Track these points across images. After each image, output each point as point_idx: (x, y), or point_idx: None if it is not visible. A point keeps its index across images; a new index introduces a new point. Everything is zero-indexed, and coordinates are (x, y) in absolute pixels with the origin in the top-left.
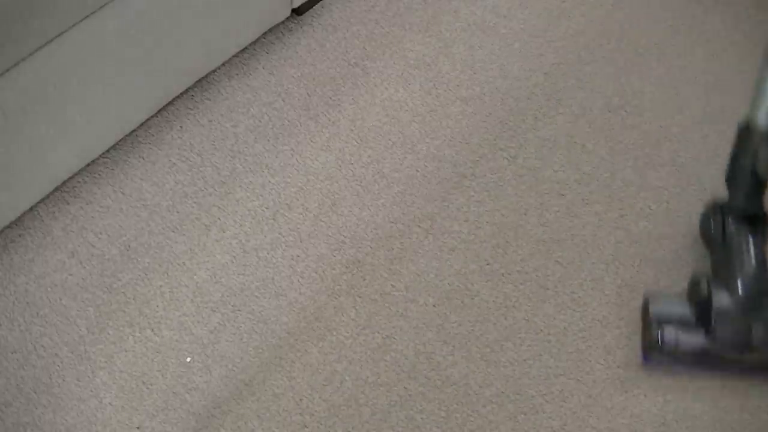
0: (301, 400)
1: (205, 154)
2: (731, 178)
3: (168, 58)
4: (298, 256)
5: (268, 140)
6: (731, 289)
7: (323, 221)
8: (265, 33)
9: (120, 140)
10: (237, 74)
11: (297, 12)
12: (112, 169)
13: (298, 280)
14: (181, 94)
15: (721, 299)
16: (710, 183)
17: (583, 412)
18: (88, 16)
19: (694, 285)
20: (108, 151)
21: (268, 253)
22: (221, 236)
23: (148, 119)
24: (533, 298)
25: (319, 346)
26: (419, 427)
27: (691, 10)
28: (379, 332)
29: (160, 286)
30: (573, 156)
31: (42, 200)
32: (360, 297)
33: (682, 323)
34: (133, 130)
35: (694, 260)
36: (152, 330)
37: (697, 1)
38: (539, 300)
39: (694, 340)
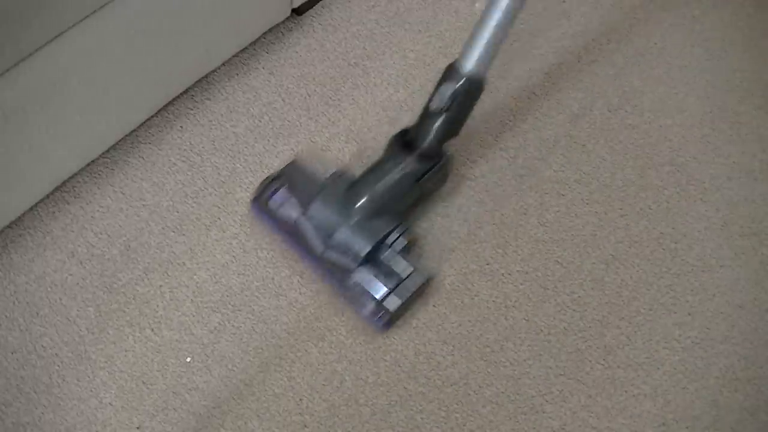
0: (301, 400)
1: (205, 154)
2: (422, 110)
3: (168, 58)
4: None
5: (268, 140)
6: (350, 188)
7: None
8: (265, 33)
9: (120, 140)
10: (237, 74)
11: (297, 12)
12: (112, 169)
13: (298, 280)
14: (181, 94)
15: (334, 191)
16: (710, 183)
17: (583, 412)
18: (88, 16)
19: (331, 174)
20: (108, 151)
21: (268, 253)
22: (221, 236)
23: (148, 119)
24: (533, 298)
25: (319, 346)
26: (419, 427)
27: (691, 10)
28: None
29: (160, 286)
30: (573, 156)
31: (42, 200)
32: None
33: (296, 194)
34: (133, 130)
35: (693, 259)
36: (152, 330)
37: (697, 1)
38: (539, 300)
39: (292, 211)
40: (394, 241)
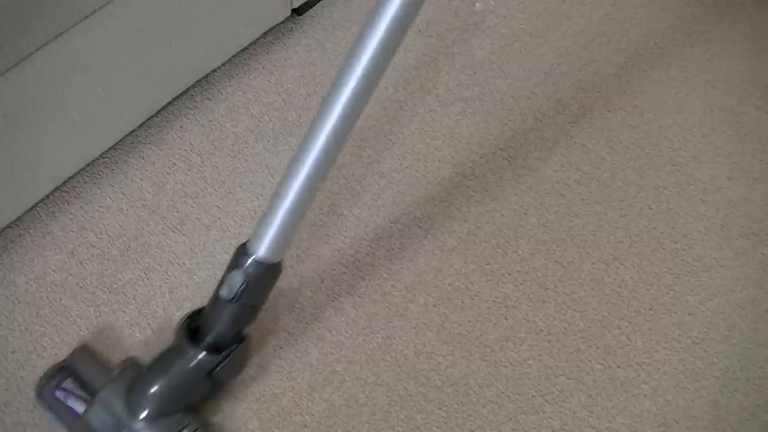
0: (301, 400)
1: (205, 154)
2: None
3: (168, 58)
4: (298, 256)
5: (268, 140)
6: (134, 384)
7: (323, 221)
8: (265, 33)
9: (120, 140)
10: (237, 74)
11: (297, 12)
12: (112, 169)
13: (298, 281)
14: (181, 94)
15: (118, 388)
16: (710, 183)
17: (583, 412)
18: (88, 16)
19: (119, 364)
20: (108, 151)
21: None
22: (221, 236)
23: (148, 119)
24: (533, 298)
25: (319, 346)
26: (419, 427)
27: (691, 10)
28: (379, 332)
29: (160, 286)
30: (573, 156)
31: (42, 200)
32: (360, 297)
33: (85, 386)
34: (133, 130)
35: (693, 259)
36: (152, 330)
37: (697, 1)
38: (539, 300)
39: (76, 408)
40: None
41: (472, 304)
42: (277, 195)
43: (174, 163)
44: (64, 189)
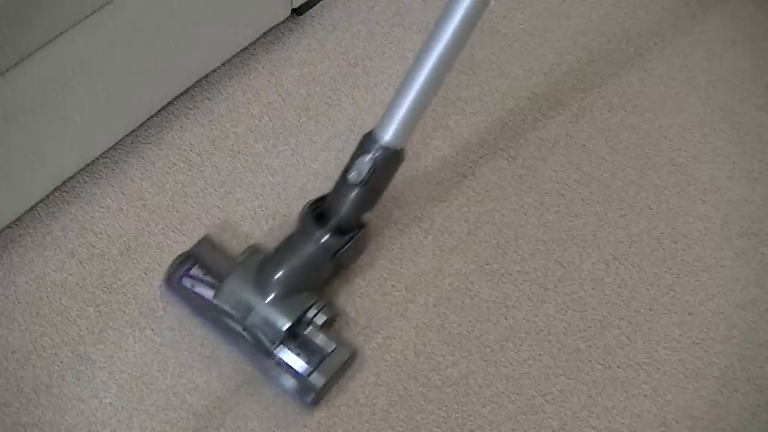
0: None
1: (205, 154)
2: (338, 179)
3: (168, 58)
4: None
5: (268, 140)
6: (264, 266)
7: None
8: (265, 33)
9: (120, 140)
10: (237, 74)
11: (297, 12)
12: (112, 169)
13: None
14: (181, 94)
15: (248, 269)
16: (710, 183)
17: (583, 412)
18: (88, 16)
19: (244, 250)
20: (108, 151)
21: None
22: (221, 236)
23: (148, 119)
24: (533, 298)
25: None
26: (419, 427)
27: (691, 10)
28: (379, 332)
29: (160, 286)
30: (573, 156)
31: (42, 200)
32: (359, 297)
33: (210, 272)
34: (133, 130)
35: (693, 259)
36: (152, 330)
37: (697, 1)
38: (539, 300)
39: (205, 291)
40: (314, 317)
41: (472, 304)
42: (404, 85)
43: (174, 163)
44: (64, 189)
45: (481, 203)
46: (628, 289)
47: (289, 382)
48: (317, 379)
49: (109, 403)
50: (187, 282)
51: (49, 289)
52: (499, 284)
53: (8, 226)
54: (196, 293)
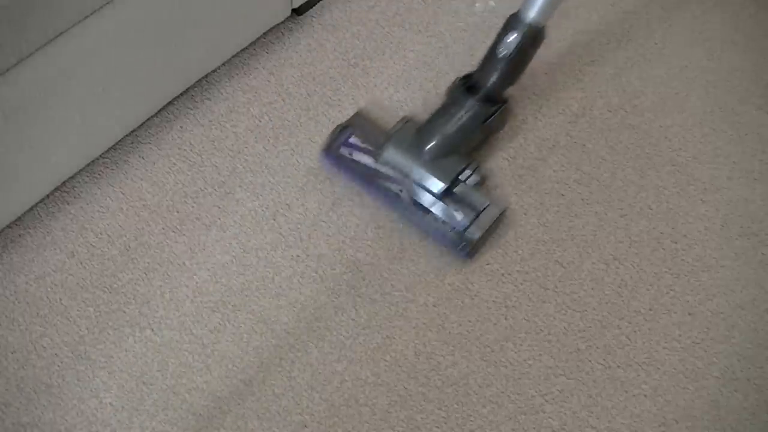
0: (301, 400)
1: (205, 154)
2: (485, 54)
3: (168, 58)
4: (298, 256)
5: (268, 140)
6: (420, 132)
7: (323, 221)
8: (265, 33)
9: (120, 140)
10: (237, 74)
11: (297, 12)
12: (112, 169)
13: (298, 280)
14: (181, 94)
15: (405, 136)
16: (710, 183)
17: (583, 412)
18: (88, 16)
19: (399, 121)
20: (108, 151)
21: (268, 253)
22: (221, 236)
23: (148, 119)
24: (533, 298)
25: (319, 346)
26: (419, 427)
27: (691, 10)
28: (379, 332)
29: (160, 286)
30: (573, 156)
31: (42, 200)
32: (360, 297)
33: (367, 141)
34: (133, 130)
35: (693, 259)
36: (152, 330)
37: (697, 1)
38: (539, 300)
39: (365, 158)
40: (468, 177)
41: (472, 304)
42: None
43: (174, 163)
44: (64, 189)
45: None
46: (628, 289)
47: (447, 236)
48: (473, 233)
49: (109, 403)
50: (345, 150)
51: (49, 289)
52: (499, 284)
53: (8, 226)
54: (355, 160)
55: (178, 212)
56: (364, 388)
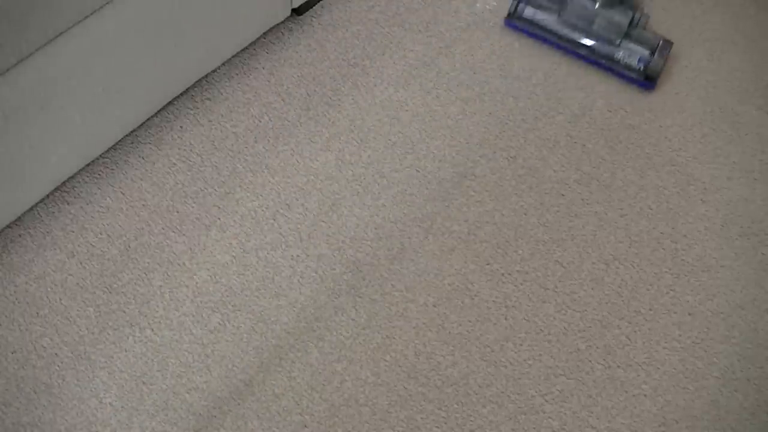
0: (301, 400)
1: (205, 154)
2: None
3: (168, 58)
4: (298, 256)
5: (268, 140)
6: None
7: (323, 221)
8: (265, 33)
9: (120, 140)
10: (237, 74)
11: (297, 12)
12: (112, 169)
13: (298, 280)
14: (181, 94)
15: None
16: (710, 183)
17: (583, 412)
18: (88, 16)
19: None
20: (108, 151)
21: (268, 253)
22: (221, 236)
23: (148, 119)
24: (533, 298)
25: (319, 346)
26: (419, 427)
27: (691, 10)
28: (379, 332)
29: (160, 286)
30: (573, 156)
31: (42, 200)
32: (360, 297)
33: (544, 5)
34: (133, 130)
35: (693, 259)
36: (152, 330)
37: (697, 1)
38: (539, 300)
39: (547, 18)
40: (639, 19)
41: (472, 304)
42: None
43: (174, 163)
44: (64, 189)
45: (481, 203)
46: (628, 289)
47: (635, 69)
48: (657, 63)
49: (109, 403)
50: (528, 13)
51: (49, 289)
52: (499, 284)
53: (8, 226)
54: (537, 21)
55: (178, 212)
56: (364, 388)
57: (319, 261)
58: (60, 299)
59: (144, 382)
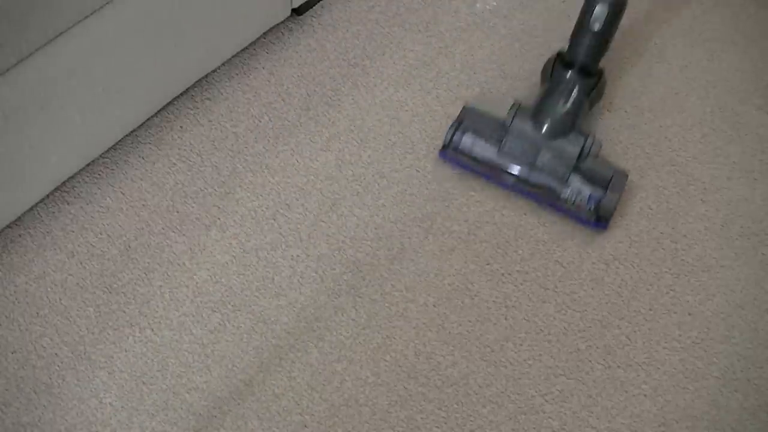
0: (301, 400)
1: (205, 154)
2: (574, 31)
3: (168, 58)
4: (298, 256)
5: (268, 140)
6: (535, 116)
7: (323, 221)
8: (265, 33)
9: (120, 140)
10: (237, 74)
11: (297, 12)
12: (112, 169)
13: (298, 280)
14: (181, 94)
15: (522, 122)
16: (710, 183)
17: (583, 412)
18: (88, 16)
19: (510, 108)
20: (108, 151)
21: (268, 253)
22: (221, 236)
23: (148, 119)
24: (533, 298)
25: (319, 346)
26: (419, 427)
27: (691, 10)
28: (379, 332)
29: (160, 286)
30: None
31: (42, 200)
32: (360, 297)
33: (484, 134)
34: (133, 130)
35: (693, 259)
36: (152, 330)
37: (697, 1)
38: (539, 300)
39: (486, 150)
40: (589, 150)
41: (472, 304)
42: None
43: (174, 163)
44: (64, 189)
45: (481, 203)
46: (628, 289)
47: (585, 210)
48: (610, 201)
49: (109, 403)
50: (465, 145)
51: (49, 289)
52: (499, 284)
53: (8, 226)
54: (474, 154)
55: (178, 212)
56: (364, 388)
57: (319, 261)
58: (60, 299)
59: (144, 382)
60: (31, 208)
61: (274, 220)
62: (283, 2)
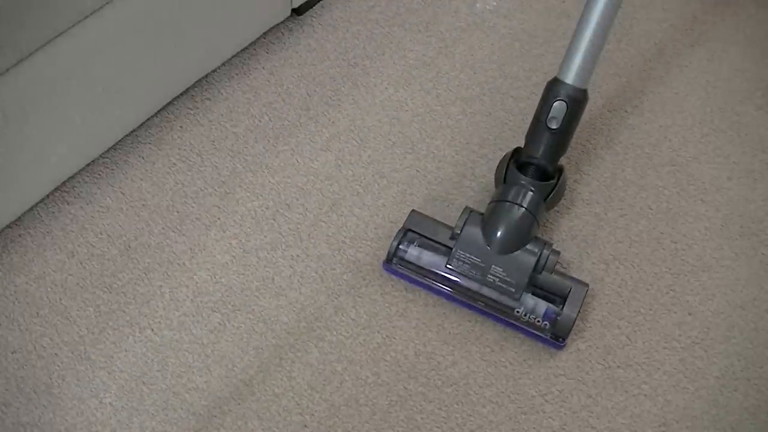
0: (301, 400)
1: (205, 154)
2: (530, 128)
3: (168, 58)
4: (298, 256)
5: (268, 140)
6: (486, 225)
7: (323, 221)
8: (265, 33)
9: (120, 140)
10: (237, 74)
11: (297, 12)
12: (112, 169)
13: (298, 280)
14: (181, 94)
15: (473, 231)
16: (710, 183)
17: (583, 412)
18: (87, 16)
19: (460, 215)
20: (108, 151)
21: (268, 253)
22: (221, 236)
23: (148, 119)
24: None
25: (319, 346)
26: (419, 427)
27: (691, 10)
28: (379, 332)
29: (160, 286)
30: (573, 156)
31: (42, 200)
32: (360, 297)
33: (431, 245)
34: (133, 130)
35: (693, 259)
36: (152, 330)
37: (697, 0)
38: None
39: (434, 261)
40: (546, 261)
41: None
42: (578, 31)
43: (174, 163)
44: (64, 189)
45: (482, 203)
46: (628, 289)
47: (540, 329)
48: (566, 320)
49: (109, 403)
50: (411, 257)
51: (49, 289)
52: None
53: (8, 226)
54: (421, 266)
55: (178, 212)
56: (364, 388)
57: (319, 261)
58: (60, 299)
59: (144, 382)
60: (31, 208)
61: (274, 220)
62: (283, 2)
